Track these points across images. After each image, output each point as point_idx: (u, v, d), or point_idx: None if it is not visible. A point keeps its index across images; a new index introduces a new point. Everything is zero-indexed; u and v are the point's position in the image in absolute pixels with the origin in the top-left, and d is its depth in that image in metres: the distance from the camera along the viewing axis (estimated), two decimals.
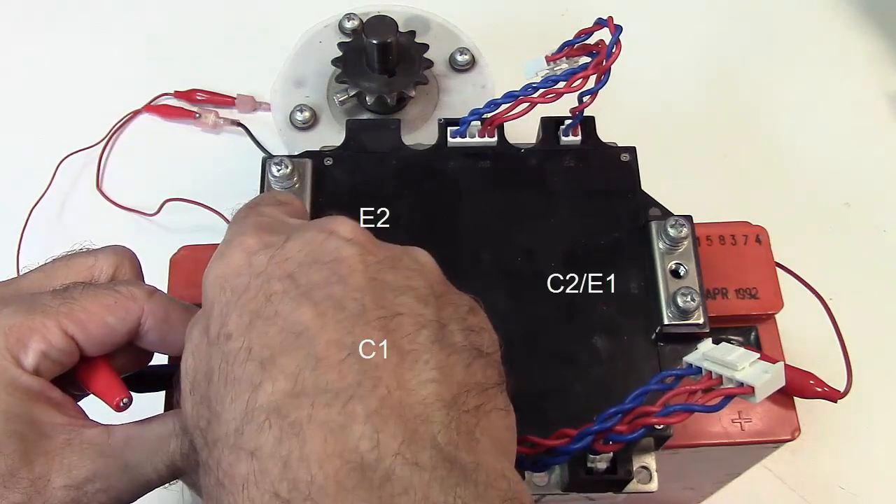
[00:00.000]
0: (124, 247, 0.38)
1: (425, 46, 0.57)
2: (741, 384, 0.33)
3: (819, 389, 0.43)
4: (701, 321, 0.41)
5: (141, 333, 0.35)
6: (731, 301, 0.45)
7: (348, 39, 0.57)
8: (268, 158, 0.43)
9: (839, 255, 0.72)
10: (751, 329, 0.46)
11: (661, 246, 0.42)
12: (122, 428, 0.34)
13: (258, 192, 0.43)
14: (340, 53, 0.56)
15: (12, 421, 0.31)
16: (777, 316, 0.46)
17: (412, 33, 0.57)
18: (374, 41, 0.53)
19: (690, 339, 0.41)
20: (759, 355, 0.33)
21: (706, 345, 0.36)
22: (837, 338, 0.45)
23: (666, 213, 0.43)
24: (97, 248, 0.38)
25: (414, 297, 0.30)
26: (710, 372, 0.34)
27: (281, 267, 0.30)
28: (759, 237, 0.47)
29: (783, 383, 0.33)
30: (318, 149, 0.46)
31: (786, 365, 0.44)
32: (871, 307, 0.69)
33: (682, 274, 0.42)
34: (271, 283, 0.29)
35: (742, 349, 0.35)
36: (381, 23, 0.54)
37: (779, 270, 0.46)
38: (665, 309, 0.41)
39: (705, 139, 0.76)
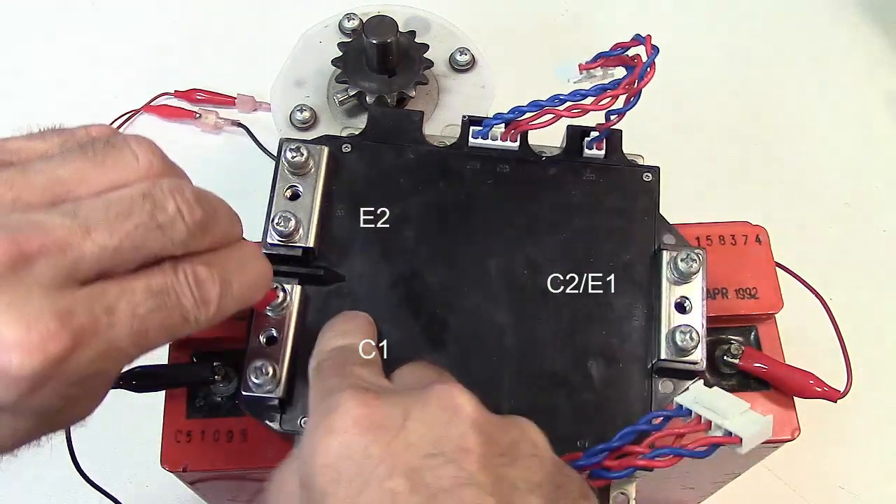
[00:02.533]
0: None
1: (425, 46, 0.57)
2: (729, 433, 0.33)
3: (819, 389, 0.43)
4: (697, 360, 0.39)
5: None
6: (731, 301, 0.45)
7: (348, 39, 0.57)
8: (285, 141, 0.41)
9: (839, 255, 0.72)
10: (751, 329, 0.46)
11: (669, 276, 0.40)
12: None
13: (268, 187, 0.41)
14: (340, 53, 0.56)
15: None
16: (777, 316, 0.46)
17: (412, 33, 0.57)
18: (374, 41, 0.53)
19: (686, 376, 0.39)
20: (749, 405, 0.34)
21: (698, 387, 0.36)
22: (837, 338, 0.45)
23: (680, 243, 0.42)
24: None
25: (540, 496, 0.29)
26: (700, 416, 0.34)
27: (403, 457, 0.28)
28: (759, 237, 0.47)
29: (770, 436, 0.33)
30: (339, 133, 0.44)
31: (786, 365, 0.44)
32: (871, 307, 0.69)
33: (686, 309, 0.40)
34: (394, 479, 0.28)
35: (733, 397, 0.35)
36: (381, 23, 0.53)
37: (779, 270, 0.46)
38: (664, 342, 0.39)
39: (705, 139, 0.76)
